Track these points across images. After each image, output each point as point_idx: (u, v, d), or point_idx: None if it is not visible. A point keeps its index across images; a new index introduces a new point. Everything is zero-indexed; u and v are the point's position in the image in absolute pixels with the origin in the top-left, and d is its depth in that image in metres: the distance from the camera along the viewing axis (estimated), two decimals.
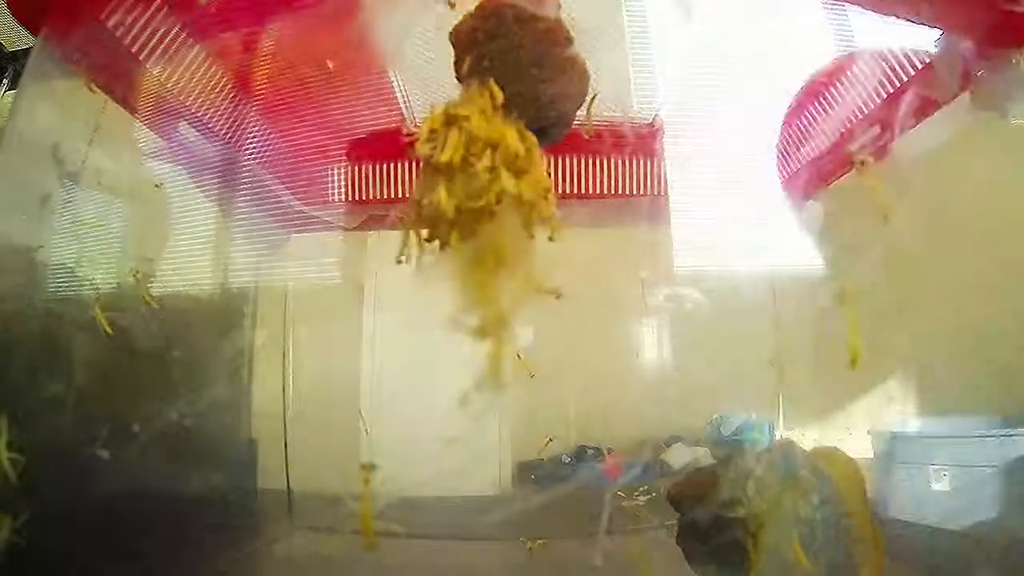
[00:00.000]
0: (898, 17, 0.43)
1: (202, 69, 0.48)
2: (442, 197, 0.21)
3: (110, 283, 0.49)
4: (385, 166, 0.52)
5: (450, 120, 0.22)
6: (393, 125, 0.51)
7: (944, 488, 0.45)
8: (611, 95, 0.46)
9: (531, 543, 0.48)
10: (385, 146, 0.52)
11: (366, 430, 0.55)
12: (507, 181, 0.21)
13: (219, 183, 0.54)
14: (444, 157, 0.21)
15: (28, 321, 0.43)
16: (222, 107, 0.51)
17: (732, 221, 0.49)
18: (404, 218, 0.23)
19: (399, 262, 0.22)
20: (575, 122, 0.27)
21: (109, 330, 0.38)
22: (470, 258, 0.22)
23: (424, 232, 0.23)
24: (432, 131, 0.22)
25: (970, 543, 0.39)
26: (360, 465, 0.26)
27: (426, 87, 0.46)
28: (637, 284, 0.52)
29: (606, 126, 0.45)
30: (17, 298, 0.43)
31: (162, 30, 0.43)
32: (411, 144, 0.22)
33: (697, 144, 0.50)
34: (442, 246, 0.22)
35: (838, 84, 0.46)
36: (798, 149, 0.49)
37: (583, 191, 0.50)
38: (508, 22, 0.25)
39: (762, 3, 0.48)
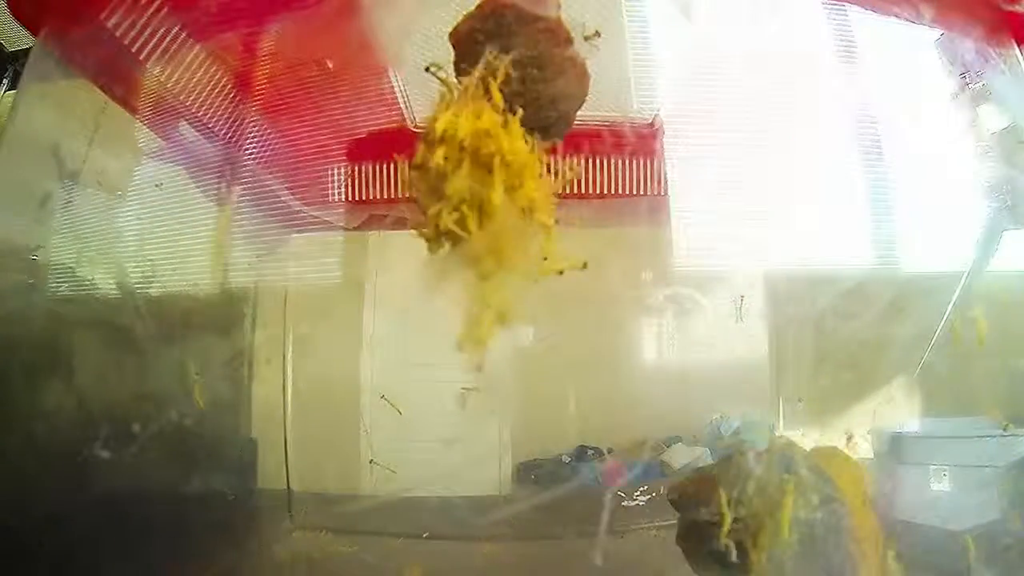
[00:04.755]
0: (898, 17, 0.43)
1: (202, 69, 0.48)
2: (440, 201, 0.21)
3: (110, 283, 0.49)
4: (385, 166, 0.52)
5: (450, 127, 0.22)
6: (393, 125, 0.51)
7: (944, 488, 0.45)
8: (611, 95, 0.46)
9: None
10: (385, 146, 0.52)
11: (366, 430, 0.55)
12: (502, 188, 0.21)
13: (219, 183, 0.54)
14: (440, 165, 0.21)
15: (28, 321, 0.43)
16: (222, 107, 0.51)
17: (732, 221, 0.49)
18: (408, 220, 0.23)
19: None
20: (575, 122, 0.27)
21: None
22: (470, 259, 0.22)
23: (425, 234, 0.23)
24: (432, 135, 0.22)
25: (970, 543, 0.39)
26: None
27: (426, 87, 0.46)
28: (637, 284, 0.52)
29: (606, 126, 0.45)
30: (17, 298, 0.43)
31: (162, 30, 0.43)
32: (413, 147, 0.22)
33: (697, 144, 0.50)
34: (440, 247, 0.22)
35: None
36: None
37: (583, 191, 0.50)
38: (508, 22, 0.25)
39: (762, 3, 0.48)
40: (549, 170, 0.24)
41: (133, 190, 0.51)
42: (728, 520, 0.26)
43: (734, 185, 0.48)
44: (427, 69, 0.25)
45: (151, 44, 0.43)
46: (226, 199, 0.53)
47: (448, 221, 0.21)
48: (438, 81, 0.25)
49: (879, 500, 0.28)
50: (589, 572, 0.32)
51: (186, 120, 0.51)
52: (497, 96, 0.23)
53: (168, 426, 0.43)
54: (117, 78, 0.46)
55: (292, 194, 0.56)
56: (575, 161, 0.27)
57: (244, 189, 0.54)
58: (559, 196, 0.24)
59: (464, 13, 0.27)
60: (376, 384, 0.56)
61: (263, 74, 0.51)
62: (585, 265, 0.24)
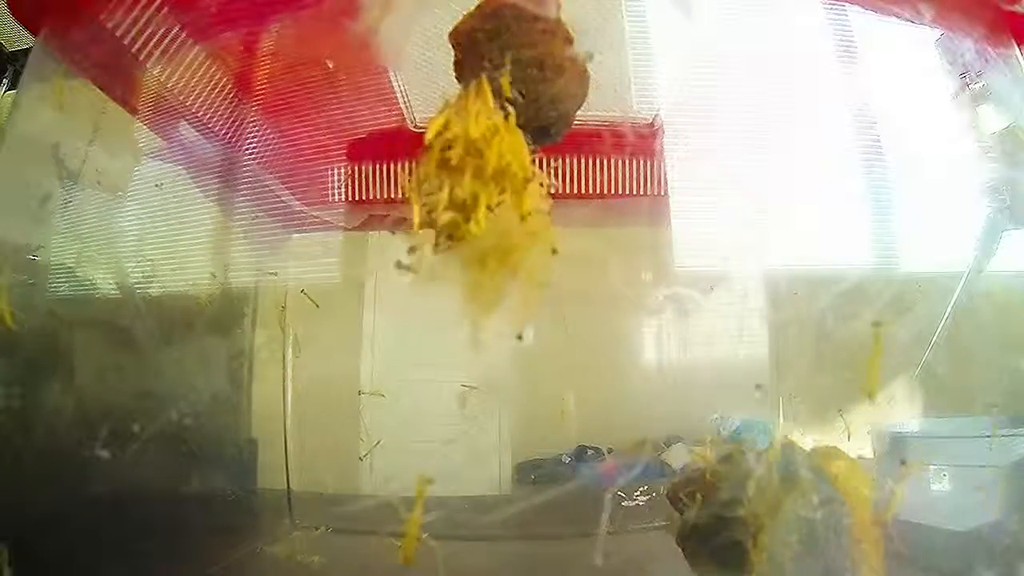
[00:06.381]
0: (898, 17, 0.43)
1: (202, 69, 0.48)
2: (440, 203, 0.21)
3: (110, 283, 0.49)
4: (385, 166, 0.52)
5: (451, 131, 0.22)
6: (393, 125, 0.51)
7: (944, 488, 0.45)
8: (611, 95, 0.46)
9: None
10: (385, 146, 0.52)
11: (362, 437, 0.55)
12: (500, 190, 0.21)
13: (219, 183, 0.54)
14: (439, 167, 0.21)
15: (28, 321, 0.43)
16: (222, 107, 0.51)
17: (732, 221, 0.49)
18: (407, 221, 0.23)
19: (400, 266, 0.22)
20: (575, 122, 0.27)
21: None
22: (471, 259, 0.22)
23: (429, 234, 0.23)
24: (431, 137, 0.22)
25: (970, 543, 0.39)
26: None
27: (426, 87, 0.46)
28: (637, 284, 0.52)
29: (606, 126, 0.45)
30: (17, 298, 0.43)
31: (162, 30, 0.43)
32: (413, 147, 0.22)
33: (697, 144, 0.50)
34: (441, 248, 0.22)
35: None
36: None
37: (583, 191, 0.50)
38: (508, 22, 0.25)
39: (762, 3, 0.48)
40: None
41: (133, 190, 0.51)
42: (728, 520, 0.26)
43: (734, 185, 0.48)
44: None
45: (151, 44, 0.43)
46: (226, 199, 0.54)
47: (446, 222, 0.21)
48: (438, 81, 0.25)
49: (879, 500, 0.28)
50: (589, 572, 0.32)
51: (186, 120, 0.51)
52: (489, 97, 0.23)
53: (168, 426, 0.43)
54: (117, 78, 0.46)
55: (292, 194, 0.56)
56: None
57: (244, 189, 0.54)
58: (556, 196, 0.24)
59: (464, 13, 0.27)
60: (376, 384, 0.56)
61: (263, 74, 0.51)
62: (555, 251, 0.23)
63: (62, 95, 0.44)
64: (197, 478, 0.47)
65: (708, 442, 0.32)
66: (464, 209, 0.21)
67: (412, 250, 0.22)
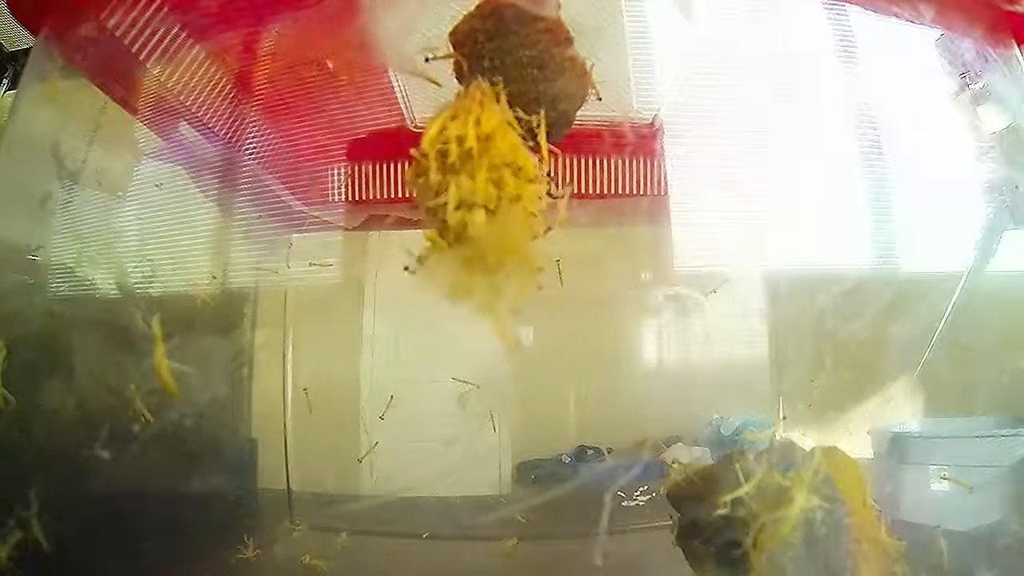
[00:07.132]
0: (898, 17, 0.43)
1: (202, 69, 0.48)
2: (446, 200, 0.21)
3: (110, 283, 0.49)
4: (385, 166, 0.52)
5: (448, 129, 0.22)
6: (393, 125, 0.51)
7: (944, 488, 0.45)
8: (611, 95, 0.46)
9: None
10: (385, 146, 0.52)
11: (366, 430, 0.55)
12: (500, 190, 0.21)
13: (219, 183, 0.54)
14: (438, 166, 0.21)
15: (28, 321, 0.43)
16: (222, 107, 0.51)
17: (732, 221, 0.49)
18: (408, 221, 0.23)
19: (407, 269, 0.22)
20: (575, 122, 0.27)
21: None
22: (471, 258, 0.22)
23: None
24: (431, 137, 0.22)
25: (970, 543, 0.39)
26: None
27: (426, 87, 0.46)
28: (637, 284, 0.52)
29: (606, 126, 0.45)
30: (17, 298, 0.43)
31: (162, 30, 0.43)
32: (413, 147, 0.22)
33: (697, 144, 0.50)
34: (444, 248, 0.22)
35: None
36: None
37: (583, 191, 0.50)
38: (508, 22, 0.25)
39: (762, 3, 0.48)
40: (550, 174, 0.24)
41: (133, 190, 0.51)
42: (728, 520, 0.26)
43: (734, 185, 0.48)
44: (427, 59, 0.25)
45: (151, 44, 0.43)
46: (226, 199, 0.53)
47: (452, 221, 0.21)
48: (438, 81, 0.25)
49: (879, 500, 0.28)
50: (589, 572, 0.32)
51: (186, 120, 0.51)
52: (491, 94, 0.23)
53: (168, 426, 0.43)
54: (117, 78, 0.46)
55: (292, 194, 0.56)
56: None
57: (244, 189, 0.54)
58: (555, 196, 0.24)
59: (464, 13, 0.27)
60: (376, 384, 0.56)
61: (263, 74, 0.51)
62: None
63: (58, 95, 0.44)
64: (197, 478, 0.47)
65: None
66: (466, 210, 0.21)
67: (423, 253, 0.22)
